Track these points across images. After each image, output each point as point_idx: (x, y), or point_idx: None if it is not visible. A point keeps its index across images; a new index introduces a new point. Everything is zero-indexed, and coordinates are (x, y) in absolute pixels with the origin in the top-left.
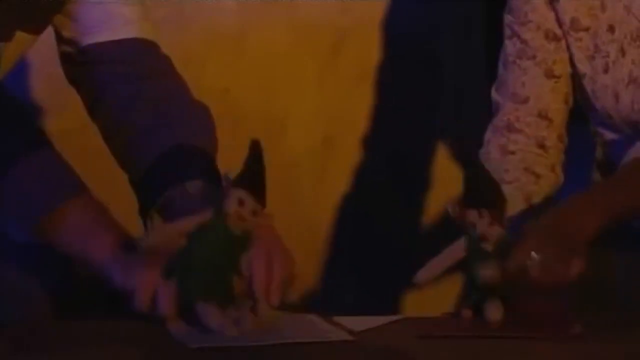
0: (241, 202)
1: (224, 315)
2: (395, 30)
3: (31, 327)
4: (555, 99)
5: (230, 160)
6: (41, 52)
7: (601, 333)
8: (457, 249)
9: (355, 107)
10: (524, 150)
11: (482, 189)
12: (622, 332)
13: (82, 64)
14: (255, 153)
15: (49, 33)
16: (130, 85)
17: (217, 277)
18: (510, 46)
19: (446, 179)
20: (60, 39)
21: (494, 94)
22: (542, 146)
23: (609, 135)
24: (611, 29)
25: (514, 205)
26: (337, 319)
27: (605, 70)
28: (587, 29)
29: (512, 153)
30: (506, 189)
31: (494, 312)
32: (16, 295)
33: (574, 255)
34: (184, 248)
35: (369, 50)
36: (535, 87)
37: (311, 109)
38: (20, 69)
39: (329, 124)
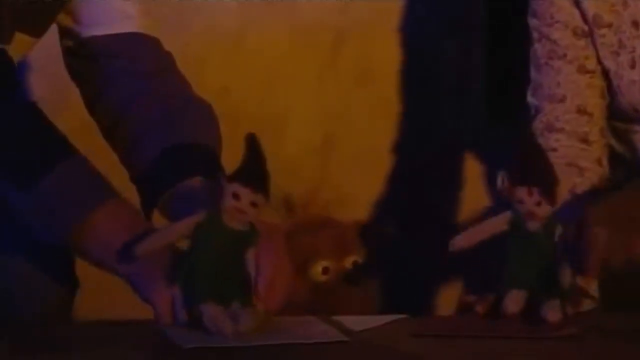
0: (236, 196)
1: (224, 314)
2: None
3: (31, 327)
4: (592, 93)
5: (230, 159)
6: (43, 51)
7: (601, 333)
8: (499, 221)
9: (355, 107)
10: (566, 145)
11: (534, 167)
12: (622, 332)
13: (83, 57)
14: (252, 146)
15: (51, 32)
16: (133, 80)
17: (222, 276)
18: (540, 49)
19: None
20: (62, 32)
21: (530, 98)
22: (584, 141)
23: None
24: (635, 24)
25: None
26: (336, 318)
27: (632, 66)
28: (609, 25)
29: (554, 150)
30: None
31: (513, 304)
32: (25, 293)
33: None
34: (185, 252)
35: (369, 50)
36: (570, 84)
37: (311, 108)
38: (21, 69)
39: (329, 123)
